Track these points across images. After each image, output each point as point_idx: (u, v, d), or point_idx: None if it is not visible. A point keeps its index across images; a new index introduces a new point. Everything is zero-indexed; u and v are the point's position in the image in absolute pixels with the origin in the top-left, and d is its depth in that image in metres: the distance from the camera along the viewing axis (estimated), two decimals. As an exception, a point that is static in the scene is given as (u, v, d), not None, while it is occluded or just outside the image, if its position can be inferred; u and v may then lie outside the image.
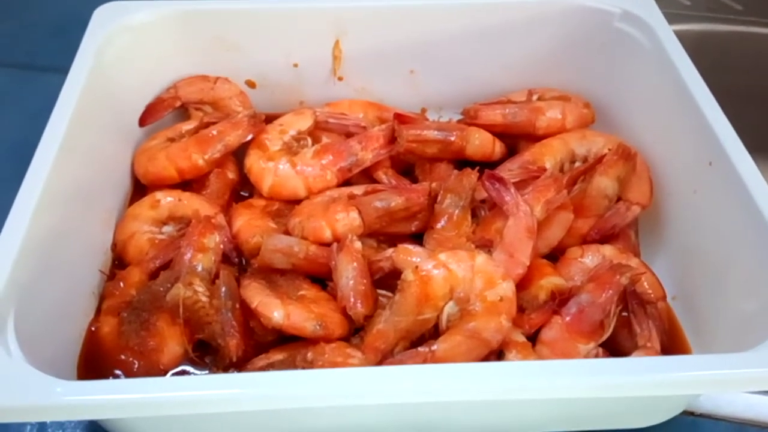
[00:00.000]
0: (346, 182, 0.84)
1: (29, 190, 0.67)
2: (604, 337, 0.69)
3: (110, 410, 0.55)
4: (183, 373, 0.69)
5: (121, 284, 0.73)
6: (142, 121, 0.89)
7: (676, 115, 0.78)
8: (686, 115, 0.76)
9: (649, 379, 0.55)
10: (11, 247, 0.62)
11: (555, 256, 0.79)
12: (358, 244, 0.73)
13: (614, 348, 0.71)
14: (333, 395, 0.55)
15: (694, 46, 1.16)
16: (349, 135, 0.88)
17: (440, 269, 0.68)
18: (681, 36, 1.15)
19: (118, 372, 0.67)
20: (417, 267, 0.68)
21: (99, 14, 0.87)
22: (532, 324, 0.70)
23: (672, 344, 0.72)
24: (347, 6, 0.90)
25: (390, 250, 0.74)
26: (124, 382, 0.61)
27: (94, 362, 0.69)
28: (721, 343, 0.68)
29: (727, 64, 1.17)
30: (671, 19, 1.14)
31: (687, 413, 0.71)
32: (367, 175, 0.86)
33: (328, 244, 0.75)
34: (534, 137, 0.88)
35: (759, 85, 1.19)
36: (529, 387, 0.55)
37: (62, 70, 0.79)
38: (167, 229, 0.81)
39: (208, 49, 0.92)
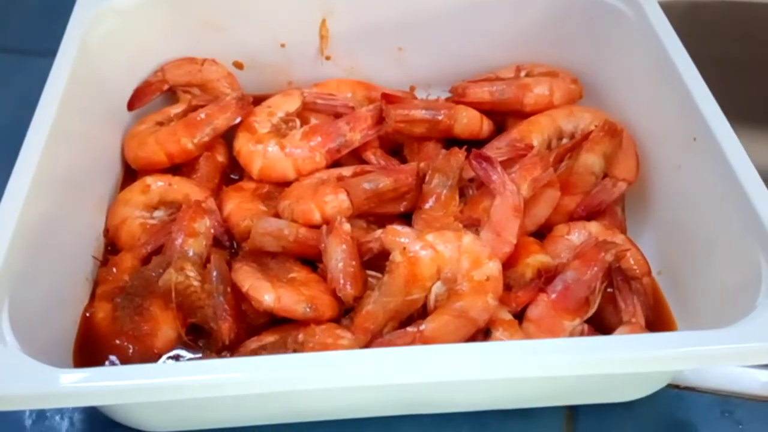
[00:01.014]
0: (336, 163, 0.85)
1: (20, 178, 0.67)
2: (590, 314, 0.70)
3: (107, 397, 0.56)
4: (177, 357, 0.70)
5: (114, 270, 0.74)
6: (131, 105, 0.89)
7: (662, 90, 0.79)
8: (671, 90, 0.76)
9: (632, 356, 0.56)
10: (3, 236, 0.62)
11: (542, 233, 0.79)
12: (347, 226, 0.73)
13: (600, 324, 0.72)
14: (327, 378, 0.56)
15: (686, 16, 1.16)
16: (337, 115, 0.88)
17: (427, 250, 0.69)
18: (673, 6, 1.15)
19: (113, 357, 0.68)
20: (405, 248, 0.69)
21: (83, -2, 0.86)
22: (519, 302, 0.71)
23: (657, 319, 0.74)
24: (334, -15, 0.90)
25: (379, 231, 0.75)
26: (118, 369, 0.62)
27: (90, 348, 0.70)
28: (705, 318, 0.69)
29: (720, 34, 1.17)
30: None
31: (672, 386, 0.73)
32: (356, 156, 0.86)
33: (317, 226, 0.75)
34: (522, 114, 0.88)
35: (751, 54, 1.19)
36: (516, 366, 0.56)
37: (52, 53, 0.79)
38: (158, 213, 0.81)
39: (195, 31, 0.92)
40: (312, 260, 0.76)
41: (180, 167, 0.85)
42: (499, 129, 0.89)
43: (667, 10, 0.85)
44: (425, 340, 0.67)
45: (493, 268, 0.69)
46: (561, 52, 0.93)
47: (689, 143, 0.74)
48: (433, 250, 0.69)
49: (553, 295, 0.70)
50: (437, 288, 0.69)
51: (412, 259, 0.69)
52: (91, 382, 0.54)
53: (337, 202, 0.76)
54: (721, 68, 1.05)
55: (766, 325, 0.57)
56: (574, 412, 0.71)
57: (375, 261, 0.74)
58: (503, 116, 0.90)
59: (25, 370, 0.55)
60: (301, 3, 0.91)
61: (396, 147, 0.89)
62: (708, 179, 0.71)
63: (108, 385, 0.54)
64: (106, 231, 0.81)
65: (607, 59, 0.89)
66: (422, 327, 0.67)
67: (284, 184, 0.82)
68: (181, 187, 0.81)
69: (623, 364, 0.56)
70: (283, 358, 0.57)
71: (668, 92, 0.77)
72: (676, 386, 0.73)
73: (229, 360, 0.62)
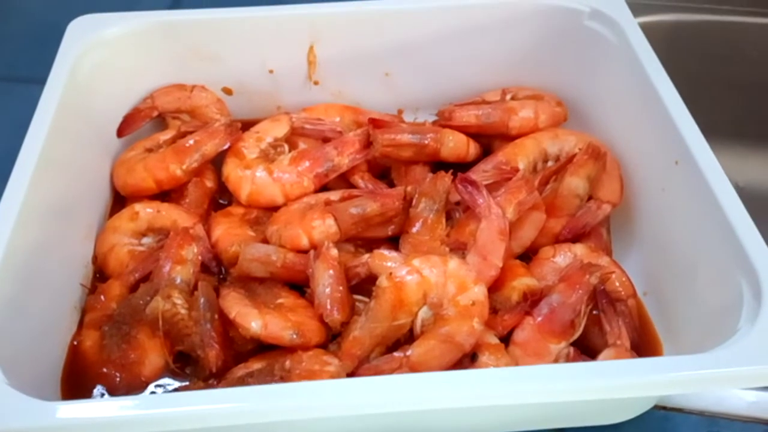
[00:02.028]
0: (324, 187, 0.86)
1: (8, 206, 0.68)
2: (575, 337, 0.71)
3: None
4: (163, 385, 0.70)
5: (102, 298, 0.74)
6: (120, 132, 0.90)
7: (644, 114, 0.80)
8: (653, 113, 0.77)
9: (611, 384, 0.56)
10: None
11: (528, 255, 0.80)
12: (334, 251, 0.74)
13: (585, 346, 0.72)
14: (314, 409, 0.56)
15: (669, 35, 1.18)
16: (325, 140, 0.89)
17: (413, 275, 0.69)
18: (656, 25, 1.17)
19: (100, 386, 0.68)
20: (391, 273, 0.69)
21: (73, 28, 0.87)
22: (505, 325, 0.71)
23: (642, 340, 0.74)
24: (321, 12, 0.91)
25: (366, 256, 0.75)
26: (107, 402, 0.61)
27: (78, 376, 0.70)
28: (690, 339, 0.69)
29: (702, 53, 1.19)
30: (646, 9, 1.16)
31: (658, 407, 0.73)
32: (344, 179, 0.87)
33: (305, 251, 0.76)
34: (508, 137, 0.89)
35: (733, 73, 1.21)
36: (502, 394, 0.57)
37: (43, 81, 0.80)
38: (147, 240, 0.82)
39: (184, 58, 0.92)
40: (300, 285, 0.76)
41: (169, 193, 0.86)
42: (486, 152, 0.90)
43: (651, 29, 0.87)
44: (412, 366, 0.67)
45: (479, 292, 0.69)
46: (546, 75, 0.94)
47: (672, 166, 0.74)
48: (419, 275, 0.69)
49: (539, 319, 0.71)
50: (424, 313, 0.70)
51: (399, 284, 0.69)
52: (79, 415, 0.54)
53: (324, 227, 0.76)
54: (703, 87, 1.06)
55: (747, 350, 0.57)
56: (561, 435, 0.72)
57: (363, 285, 0.74)
58: (490, 139, 0.91)
59: (12, 404, 0.55)
60: (289, 30, 0.92)
61: (384, 170, 0.90)
62: (690, 202, 0.72)
63: (98, 418, 0.54)
64: (95, 258, 0.81)
65: (591, 82, 0.90)
66: (409, 352, 0.67)
67: (273, 209, 0.83)
68: (169, 214, 0.82)
69: (602, 391, 0.56)
70: (270, 389, 0.57)
71: (650, 115, 0.78)
72: (663, 407, 0.73)
73: (218, 390, 0.60)
